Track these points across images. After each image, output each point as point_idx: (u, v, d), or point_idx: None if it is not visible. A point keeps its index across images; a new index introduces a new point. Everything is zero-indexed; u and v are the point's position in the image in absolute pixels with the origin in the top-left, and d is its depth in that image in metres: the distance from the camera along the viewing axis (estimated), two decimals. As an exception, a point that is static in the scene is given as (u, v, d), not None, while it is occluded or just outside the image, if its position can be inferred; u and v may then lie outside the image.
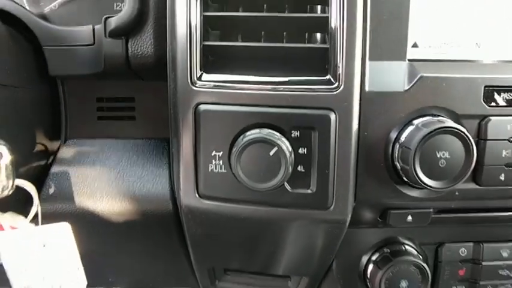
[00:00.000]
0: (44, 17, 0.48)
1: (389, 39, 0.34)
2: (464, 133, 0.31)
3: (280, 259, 0.44)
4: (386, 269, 0.39)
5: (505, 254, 0.42)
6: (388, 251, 0.40)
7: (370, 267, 0.41)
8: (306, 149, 0.33)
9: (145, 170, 0.44)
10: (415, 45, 0.36)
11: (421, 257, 0.41)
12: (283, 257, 0.44)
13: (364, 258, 0.42)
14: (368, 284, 0.40)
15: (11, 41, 0.41)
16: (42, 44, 0.42)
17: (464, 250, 0.42)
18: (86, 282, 0.31)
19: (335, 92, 0.31)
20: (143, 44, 0.39)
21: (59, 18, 0.48)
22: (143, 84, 0.44)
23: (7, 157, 0.25)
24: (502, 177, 0.34)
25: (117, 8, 0.47)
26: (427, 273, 0.40)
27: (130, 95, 0.47)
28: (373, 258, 0.41)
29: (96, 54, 0.41)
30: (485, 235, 0.42)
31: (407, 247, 0.41)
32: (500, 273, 0.43)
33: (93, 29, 0.42)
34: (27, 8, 0.48)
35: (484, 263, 0.42)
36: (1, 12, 0.42)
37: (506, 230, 0.41)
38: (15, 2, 0.44)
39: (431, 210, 0.37)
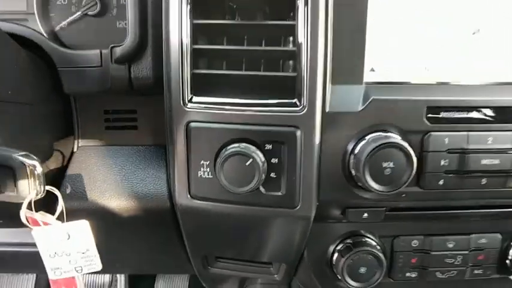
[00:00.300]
0: (55, 34, 0.54)
1: (348, 66, 0.41)
2: (405, 147, 0.38)
3: (262, 248, 0.51)
4: (348, 257, 0.46)
5: (450, 245, 0.48)
6: (351, 242, 0.47)
7: (335, 255, 0.48)
8: (277, 159, 0.40)
9: (146, 173, 0.51)
10: (372, 70, 0.42)
11: (379, 247, 0.48)
12: (264, 247, 0.51)
13: (331, 248, 0.48)
14: (333, 269, 0.47)
15: (32, 64, 0.48)
16: (58, 66, 0.48)
17: (416, 242, 0.48)
18: (101, 266, 0.38)
19: (300, 113, 0.38)
20: (143, 69, 0.45)
21: (68, 35, 0.54)
22: (144, 99, 0.51)
23: (39, 169, 0.32)
24: (441, 182, 0.41)
25: (119, 25, 0.53)
26: (383, 261, 0.47)
27: (133, 107, 0.53)
28: (338, 248, 0.48)
29: (103, 75, 0.48)
30: (433, 229, 0.48)
31: (367, 239, 0.48)
32: (446, 261, 0.50)
33: (101, 53, 0.49)
34: (40, 26, 0.54)
35: (432, 253, 0.49)
36: (23, 39, 0.48)
37: (451, 225, 0.48)
38: (33, 29, 0.50)
39: (383, 208, 0.44)
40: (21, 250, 0.61)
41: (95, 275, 1.17)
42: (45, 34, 0.54)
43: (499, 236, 0.49)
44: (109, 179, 0.49)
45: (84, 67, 0.47)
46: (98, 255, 0.36)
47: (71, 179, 0.48)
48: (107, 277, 1.17)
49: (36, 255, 0.49)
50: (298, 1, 0.38)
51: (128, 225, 0.55)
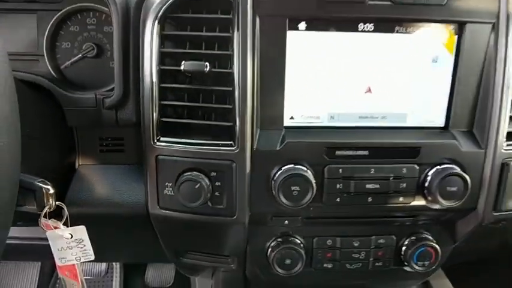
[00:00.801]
0: (60, 72, 0.67)
1: (272, 115, 0.55)
2: (307, 177, 0.53)
3: (215, 245, 0.66)
4: (277, 251, 0.61)
5: (355, 244, 0.62)
6: (280, 240, 0.61)
7: (269, 250, 0.62)
8: (219, 182, 0.54)
9: (130, 186, 0.64)
10: (292, 118, 0.57)
11: (301, 245, 0.63)
12: (217, 244, 0.66)
13: (267, 245, 0.62)
14: (268, 261, 0.63)
15: (44, 105, 0.63)
16: (63, 106, 0.62)
17: (329, 241, 0.62)
18: (93, 257, 0.53)
19: (235, 151, 0.54)
20: (127, 113, 0.60)
21: (71, 72, 0.66)
22: (129, 129, 0.65)
23: (52, 190, 0.47)
24: (338, 200, 0.56)
25: (112, 65, 0.64)
26: (303, 255, 0.61)
27: (120, 135, 0.66)
28: (271, 244, 0.61)
29: (97, 114, 0.62)
30: (343, 232, 0.62)
31: (293, 238, 0.62)
32: (353, 256, 0.63)
33: (96, 97, 0.63)
34: (48, 65, 0.66)
35: (342, 250, 0.62)
36: (37, 86, 0.63)
37: (357, 228, 0.62)
38: (44, 76, 0.62)
39: (299, 217, 0.60)
40: (33, 243, 0.77)
41: (94, 264, 1.32)
42: (52, 71, 0.67)
43: (393, 237, 0.63)
44: (102, 191, 0.64)
45: (83, 107, 0.62)
46: (91, 249, 0.52)
47: (73, 190, 0.64)
48: (103, 265, 1.33)
49: (44, 247, 0.64)
50: (234, 73, 0.53)
51: (116, 226, 0.69)
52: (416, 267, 0.63)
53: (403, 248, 0.63)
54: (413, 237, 0.63)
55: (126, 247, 0.84)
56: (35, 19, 0.66)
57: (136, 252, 0.89)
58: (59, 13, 0.66)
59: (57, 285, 1.33)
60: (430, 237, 0.63)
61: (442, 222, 0.64)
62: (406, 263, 0.64)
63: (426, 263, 0.63)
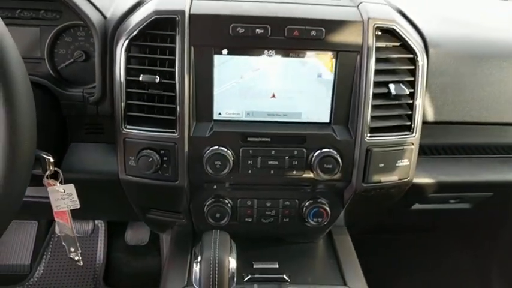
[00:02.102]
0: (58, 72, 0.84)
1: (204, 112, 0.74)
2: (224, 154, 0.76)
3: (167, 204, 0.90)
4: (210, 208, 0.81)
5: (268, 204, 0.81)
6: (213, 199, 0.80)
7: (205, 207, 0.80)
8: (166, 158, 0.76)
9: (107, 159, 0.83)
10: (219, 113, 0.80)
11: (229, 204, 0.83)
12: (168, 203, 0.89)
13: (204, 203, 0.80)
14: (204, 215, 0.85)
15: (45, 98, 0.84)
16: (60, 100, 0.80)
17: (249, 202, 0.80)
18: (79, 205, 0.77)
19: (177, 137, 0.75)
20: (104, 107, 0.79)
21: (65, 72, 0.84)
22: (106, 118, 0.82)
23: (51, 159, 0.70)
24: (250, 172, 0.76)
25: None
26: (228, 211, 0.82)
27: (101, 122, 0.82)
28: (207, 203, 0.80)
29: (84, 107, 0.83)
30: (260, 195, 0.81)
31: (223, 199, 0.80)
32: (266, 213, 0.81)
33: (83, 93, 0.83)
34: (48, 67, 0.83)
35: (258, 209, 0.81)
36: (40, 86, 0.81)
37: (270, 193, 0.81)
38: (45, 77, 0.80)
39: (225, 184, 0.84)
40: (34, 200, 0.93)
41: (82, 224, 1.56)
42: (51, 71, 0.83)
43: (296, 200, 0.82)
44: (87, 162, 0.84)
45: (73, 102, 0.82)
46: (77, 200, 0.75)
47: (67, 161, 0.85)
48: (90, 226, 1.57)
49: (44, 204, 0.86)
50: (176, 84, 0.74)
51: (98, 188, 0.87)
52: (312, 223, 0.84)
53: (303, 209, 0.83)
54: (311, 201, 0.82)
55: (107, 207, 1.08)
56: (38, 31, 0.83)
57: (115, 212, 1.14)
58: (57, 27, 0.83)
59: (51, 241, 1.57)
60: (323, 202, 0.84)
61: (334, 191, 0.84)
62: (305, 220, 0.83)
63: (319, 220, 0.84)
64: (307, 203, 0.85)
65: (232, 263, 0.66)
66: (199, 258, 0.66)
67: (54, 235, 1.59)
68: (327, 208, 0.85)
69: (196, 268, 0.66)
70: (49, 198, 0.80)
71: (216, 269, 0.64)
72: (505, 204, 1.11)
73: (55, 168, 0.72)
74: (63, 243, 0.85)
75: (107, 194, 0.96)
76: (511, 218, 1.33)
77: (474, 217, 1.23)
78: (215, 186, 0.82)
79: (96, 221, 1.58)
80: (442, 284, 1.57)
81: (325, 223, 0.87)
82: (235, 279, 0.68)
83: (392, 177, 0.82)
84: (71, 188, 0.73)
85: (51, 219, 1.39)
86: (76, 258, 0.84)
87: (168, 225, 1.03)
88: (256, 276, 0.85)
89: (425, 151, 0.97)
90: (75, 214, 0.83)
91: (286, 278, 0.85)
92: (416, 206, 1.04)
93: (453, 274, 1.62)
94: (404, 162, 0.82)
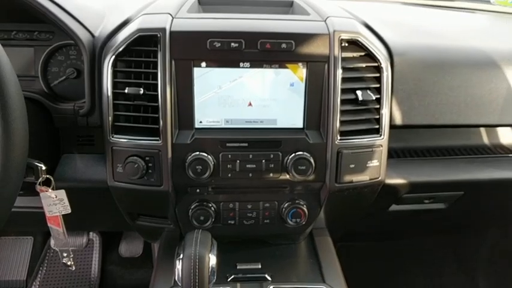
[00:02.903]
0: (51, 88, 0.90)
1: (185, 120, 0.80)
2: (204, 159, 0.82)
3: (155, 209, 0.95)
4: (194, 211, 0.87)
5: (249, 207, 0.87)
6: (198, 203, 0.87)
7: (190, 211, 0.85)
8: (151, 164, 0.82)
9: (97, 168, 0.89)
10: (200, 122, 0.86)
11: (213, 208, 0.90)
12: (156, 208, 0.94)
13: (189, 207, 0.84)
14: (189, 219, 0.90)
15: (39, 112, 0.90)
16: (52, 114, 0.85)
17: (231, 205, 0.85)
18: (70, 210, 0.82)
19: (160, 144, 0.82)
20: (94, 119, 0.85)
21: (58, 88, 0.90)
22: (96, 129, 0.89)
23: (43, 167, 0.76)
24: (230, 175, 0.83)
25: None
26: (212, 214, 0.87)
27: (91, 134, 0.90)
28: (191, 207, 0.84)
29: (75, 119, 0.89)
30: (241, 198, 0.85)
31: (207, 203, 0.85)
32: (248, 215, 0.86)
33: (74, 107, 0.92)
34: (42, 84, 0.89)
35: (240, 211, 0.86)
36: (34, 101, 0.88)
37: (250, 195, 0.85)
38: (38, 93, 0.85)
39: (207, 187, 0.89)
40: (29, 211, 0.98)
41: (76, 237, 1.60)
42: (44, 88, 0.89)
43: (276, 202, 0.86)
44: (78, 171, 0.90)
45: (65, 115, 0.89)
46: (68, 205, 0.80)
47: (58, 170, 0.92)
48: (84, 239, 1.62)
49: (34, 214, 0.91)
50: (159, 95, 0.80)
51: (89, 197, 0.94)
52: (291, 223, 0.89)
53: (283, 210, 0.87)
54: (289, 202, 0.87)
55: (100, 216, 1.13)
56: (32, 51, 0.89)
57: (107, 222, 1.18)
58: (50, 47, 0.89)
59: (46, 256, 1.61)
60: (301, 203, 0.89)
61: (310, 193, 0.90)
62: (285, 221, 0.87)
63: (298, 220, 0.89)
64: (286, 205, 0.91)
65: (212, 259, 0.71)
66: (181, 256, 0.71)
67: (49, 250, 1.63)
68: (305, 209, 0.91)
69: (178, 265, 0.71)
70: (42, 208, 0.86)
71: (197, 265, 0.68)
72: (478, 204, 1.17)
73: (47, 176, 0.78)
74: (56, 249, 0.90)
75: (99, 203, 1.01)
76: (488, 219, 1.39)
77: (452, 218, 1.28)
78: (198, 190, 0.88)
79: (90, 235, 1.63)
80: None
81: (304, 223, 0.92)
82: (215, 275, 0.72)
83: (363, 177, 0.88)
84: (62, 193, 0.79)
85: (45, 230, 1.44)
86: (69, 263, 0.89)
87: (158, 233, 1.07)
88: (239, 276, 0.90)
89: (398, 154, 1.04)
90: (70, 226, 0.87)
91: (268, 277, 0.89)
92: (394, 207, 1.10)
93: (439, 278, 1.66)
94: (374, 162, 0.88)
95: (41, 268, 1.58)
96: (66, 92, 0.91)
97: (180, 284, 0.71)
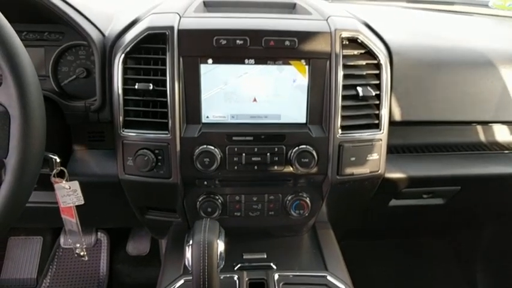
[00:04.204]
0: (61, 87, 0.93)
1: (193, 115, 0.83)
2: (212, 152, 0.86)
3: (163, 202, 0.99)
4: (202, 203, 0.92)
5: (254, 199, 0.91)
6: (205, 196, 0.91)
7: (198, 203, 0.89)
8: (161, 157, 0.86)
9: (108, 163, 0.92)
10: (207, 117, 0.90)
11: (220, 200, 0.95)
12: (167, 201, 0.98)
13: (197, 200, 0.88)
14: (197, 210, 0.95)
15: (50, 110, 0.93)
16: (64, 111, 0.88)
17: (237, 197, 0.88)
18: (83, 201, 0.86)
19: (169, 138, 0.84)
20: (105, 115, 0.87)
21: (69, 88, 0.92)
22: (107, 125, 0.92)
23: (58, 159, 0.80)
24: (236, 168, 0.86)
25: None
26: (219, 206, 0.92)
27: (102, 130, 0.93)
28: (199, 200, 0.88)
29: (86, 115, 0.92)
30: (247, 191, 0.88)
31: (214, 195, 0.88)
32: (253, 207, 0.89)
33: (85, 105, 0.94)
34: (52, 83, 0.92)
35: (246, 203, 0.90)
36: (46, 98, 0.93)
37: (255, 188, 0.89)
38: (50, 91, 0.88)
39: (214, 180, 0.93)
40: (41, 206, 1.01)
41: (85, 236, 1.63)
42: (55, 87, 0.92)
43: (280, 195, 0.90)
44: (89, 166, 0.93)
45: (77, 112, 0.92)
46: (82, 196, 0.84)
47: (70, 166, 0.96)
48: (93, 238, 1.65)
49: (52, 210, 0.95)
50: (168, 91, 0.84)
51: (99, 192, 0.94)
52: (295, 215, 0.93)
53: (286, 202, 0.91)
54: (293, 195, 0.91)
55: (109, 212, 1.17)
56: (43, 51, 0.91)
57: (117, 218, 1.22)
58: (60, 47, 0.91)
59: (56, 255, 1.64)
60: (304, 195, 0.93)
61: (313, 185, 0.94)
62: (289, 213, 0.91)
63: (301, 211, 0.93)
64: (290, 197, 0.94)
65: (220, 245, 0.74)
66: (190, 242, 0.74)
67: (59, 249, 1.67)
68: (308, 201, 0.94)
69: (188, 251, 0.74)
70: (54, 203, 0.89)
71: (206, 250, 0.71)
72: (474, 200, 1.20)
73: (61, 168, 0.81)
74: (69, 241, 0.94)
75: (109, 198, 1.05)
76: (485, 215, 1.42)
77: (450, 214, 1.31)
78: (206, 183, 0.91)
79: (98, 234, 1.66)
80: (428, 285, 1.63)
81: (307, 215, 0.95)
82: (223, 260, 0.75)
83: (363, 170, 0.91)
84: (75, 184, 0.82)
85: (56, 226, 1.48)
86: (82, 253, 0.92)
87: (166, 227, 1.10)
88: (245, 265, 0.93)
89: (397, 150, 1.07)
90: (81, 221, 0.91)
91: (273, 266, 0.93)
92: (394, 202, 1.13)
93: (439, 276, 1.69)
94: (374, 156, 0.91)
95: (51, 267, 1.61)
96: (76, 91, 0.94)
97: (190, 270, 0.74)
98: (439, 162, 1.05)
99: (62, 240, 1.63)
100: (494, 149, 1.10)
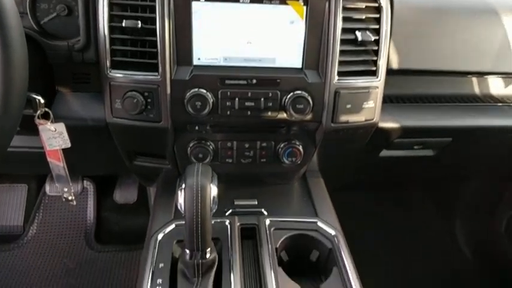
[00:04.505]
0: (40, 26, 0.85)
1: (184, 56, 0.79)
2: (204, 96, 0.83)
3: (156, 147, 0.96)
4: (193, 149, 0.90)
5: (246, 146, 0.91)
6: (196, 141, 0.90)
7: (189, 149, 0.88)
8: (150, 99, 0.83)
9: (94, 106, 0.88)
10: (199, 59, 0.86)
11: (211, 146, 0.93)
12: (156, 146, 0.96)
13: (187, 145, 0.87)
14: (187, 156, 0.93)
15: (32, 49, 0.89)
16: (46, 50, 0.83)
17: (229, 144, 0.87)
18: (70, 144, 0.83)
19: (159, 79, 0.81)
20: (90, 54, 0.84)
21: (49, 26, 0.85)
22: (92, 66, 0.86)
23: (42, 100, 0.76)
24: (228, 113, 0.84)
25: (79, 22, 0.82)
26: (210, 152, 0.92)
27: (87, 71, 0.89)
28: (190, 145, 0.87)
29: (69, 54, 0.87)
30: (239, 138, 0.87)
31: (205, 141, 0.87)
32: (245, 154, 0.89)
33: (68, 44, 0.86)
34: (31, 21, 0.84)
35: (238, 150, 0.89)
36: (30, 38, 0.85)
37: (247, 135, 0.87)
38: (31, 29, 0.82)
39: (206, 125, 0.90)
40: (26, 151, 0.98)
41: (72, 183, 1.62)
42: (34, 26, 0.84)
43: (273, 142, 0.89)
44: (74, 109, 0.89)
45: (60, 51, 0.85)
46: (68, 139, 0.81)
47: (55, 108, 0.92)
48: (79, 185, 1.63)
49: (38, 155, 0.91)
50: (157, 29, 0.80)
51: (85, 137, 0.93)
52: (287, 162, 0.93)
53: (279, 150, 0.90)
54: (286, 142, 0.91)
55: (96, 159, 1.14)
56: None
57: (104, 165, 1.19)
58: None
59: (41, 203, 1.63)
60: (297, 143, 0.92)
61: (306, 133, 0.93)
62: (281, 160, 0.92)
63: (293, 159, 0.92)
64: (282, 145, 0.93)
65: (213, 189, 0.73)
66: (183, 186, 0.72)
67: (44, 197, 1.65)
68: (300, 148, 0.93)
69: (180, 195, 0.73)
70: (39, 148, 0.86)
71: (199, 193, 0.70)
72: (464, 152, 1.21)
73: (45, 109, 0.77)
74: (56, 186, 0.91)
75: (96, 144, 1.02)
76: (472, 170, 1.44)
77: (438, 168, 1.32)
78: (197, 128, 0.89)
79: (85, 182, 1.64)
80: (412, 236, 1.69)
81: (299, 162, 0.94)
82: (216, 204, 0.74)
83: (358, 118, 0.90)
84: (61, 126, 0.79)
85: (41, 173, 1.45)
86: (70, 198, 0.90)
87: (155, 174, 1.09)
88: (236, 210, 0.93)
89: (392, 100, 1.06)
90: (68, 168, 0.88)
91: (264, 212, 0.93)
92: (384, 152, 1.13)
93: (421, 227, 1.74)
94: (370, 104, 0.90)
95: (37, 214, 1.60)
96: (58, 30, 0.87)
97: (182, 214, 0.73)
98: (432, 113, 1.04)
99: (47, 187, 1.60)
100: (488, 101, 1.10)
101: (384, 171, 1.34)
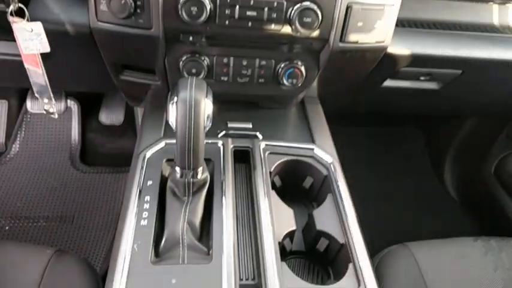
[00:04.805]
0: None
1: None
2: (203, 1, 0.74)
3: (145, 59, 0.87)
4: (186, 63, 0.81)
5: (244, 63, 0.83)
6: (189, 55, 0.82)
7: (181, 63, 0.81)
8: (140, 1, 0.72)
9: (78, 8, 0.79)
10: None
11: (205, 61, 0.85)
12: (146, 58, 0.86)
13: (180, 59, 0.80)
14: (179, 69, 0.84)
15: None
16: None
17: (225, 59, 0.80)
18: (49, 49, 0.74)
19: None
20: None
21: None
22: None
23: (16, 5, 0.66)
24: (227, 22, 0.77)
25: None
26: (204, 67, 0.84)
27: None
28: (183, 59, 0.80)
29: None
30: (236, 53, 0.81)
31: (199, 55, 0.80)
32: (242, 72, 0.83)
33: None
34: None
35: (233, 66, 0.82)
36: None
37: (245, 51, 0.81)
38: None
39: (201, 35, 0.81)
40: (4, 58, 0.88)
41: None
42: None
43: (273, 61, 0.83)
44: (52, 12, 0.78)
45: None
46: (47, 42, 0.73)
47: (32, 7, 0.80)
48: (62, 104, 1.56)
49: (15, 63, 0.82)
50: None
51: (67, 45, 0.85)
52: (287, 84, 0.86)
53: (279, 70, 0.84)
54: (287, 62, 0.84)
55: (80, 72, 1.06)
56: None
57: (88, 79, 1.11)
58: None
59: (23, 121, 1.55)
60: (299, 63, 0.85)
61: (310, 53, 0.85)
62: (280, 82, 0.85)
63: (294, 81, 0.86)
64: (283, 64, 0.86)
65: (208, 104, 0.66)
66: (175, 99, 0.66)
67: (26, 115, 1.57)
68: (302, 69, 0.86)
69: (172, 109, 0.66)
70: (18, 56, 0.77)
71: (193, 108, 0.64)
72: (470, 88, 1.15)
73: (19, 4, 0.68)
74: (36, 96, 0.84)
75: (78, 54, 0.93)
76: (472, 107, 1.40)
77: (439, 103, 1.27)
78: (191, 38, 0.80)
79: (68, 101, 1.56)
80: (397, 177, 1.69)
81: (299, 85, 0.88)
82: (211, 122, 0.68)
83: (369, 38, 0.82)
84: (38, 26, 0.70)
85: (20, 86, 1.36)
86: (51, 110, 0.84)
87: (143, 91, 1.02)
88: (230, 132, 0.87)
89: (404, 24, 0.97)
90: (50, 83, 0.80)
91: (259, 136, 0.88)
92: (388, 82, 1.06)
93: (410, 166, 1.74)
94: (383, 23, 0.82)
95: (19, 132, 1.54)
96: None
97: (174, 130, 0.67)
98: (445, 41, 0.97)
99: (29, 104, 1.52)
100: (506, 32, 1.02)
101: (382, 102, 1.28)
